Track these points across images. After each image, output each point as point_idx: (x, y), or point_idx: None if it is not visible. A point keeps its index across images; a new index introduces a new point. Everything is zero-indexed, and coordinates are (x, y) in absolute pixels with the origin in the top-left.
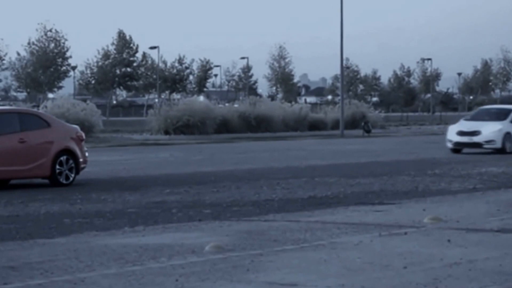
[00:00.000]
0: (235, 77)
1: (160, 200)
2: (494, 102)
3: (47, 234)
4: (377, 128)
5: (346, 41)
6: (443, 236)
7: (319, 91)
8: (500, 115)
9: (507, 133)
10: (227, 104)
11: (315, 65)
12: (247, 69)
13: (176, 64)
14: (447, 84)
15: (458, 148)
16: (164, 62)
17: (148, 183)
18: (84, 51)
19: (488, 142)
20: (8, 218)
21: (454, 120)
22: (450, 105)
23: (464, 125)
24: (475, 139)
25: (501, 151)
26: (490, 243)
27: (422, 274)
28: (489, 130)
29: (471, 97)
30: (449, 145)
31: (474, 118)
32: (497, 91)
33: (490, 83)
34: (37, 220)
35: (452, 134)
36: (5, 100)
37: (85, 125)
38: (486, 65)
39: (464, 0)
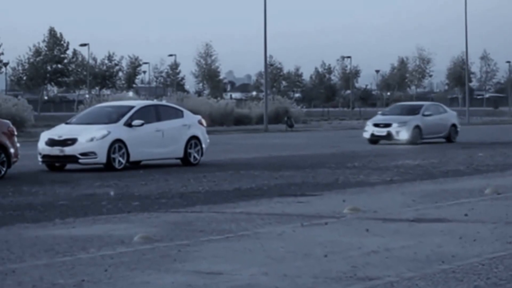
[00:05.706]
0: (163, 74)
1: (90, 192)
2: (410, 98)
3: None
4: (300, 123)
5: (269, 39)
6: (361, 225)
7: (244, 87)
8: (115, 115)
9: (117, 141)
10: (155, 100)
11: (240, 62)
12: (174, 66)
13: (106, 61)
14: (366, 80)
15: (50, 162)
16: (94, 59)
17: (79, 176)
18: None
19: (85, 154)
20: None
21: (374, 115)
22: (369, 101)
23: (58, 131)
24: (68, 150)
25: (107, 167)
26: (405, 232)
27: (342, 262)
28: (87, 137)
29: (388, 93)
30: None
31: (82, 120)
32: (413, 87)
33: (406, 80)
34: None
35: (42, 144)
36: None
37: (16, 120)
38: (402, 63)
39: (381, 2)
